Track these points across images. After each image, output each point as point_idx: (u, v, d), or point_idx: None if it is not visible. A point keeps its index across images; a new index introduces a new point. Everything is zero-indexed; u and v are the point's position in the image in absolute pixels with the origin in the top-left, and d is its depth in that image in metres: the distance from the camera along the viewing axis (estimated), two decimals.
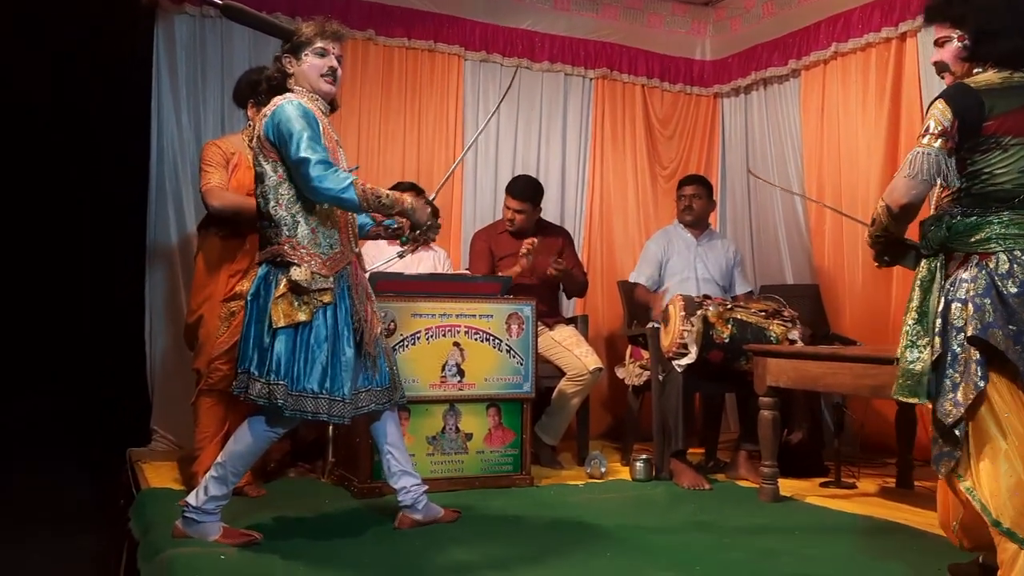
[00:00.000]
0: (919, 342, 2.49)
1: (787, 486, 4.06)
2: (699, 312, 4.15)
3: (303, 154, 2.87)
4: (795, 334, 4.18)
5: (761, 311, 4.28)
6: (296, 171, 2.91)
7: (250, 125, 3.86)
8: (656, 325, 4.50)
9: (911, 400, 2.50)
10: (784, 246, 5.77)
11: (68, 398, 7.36)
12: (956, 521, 2.54)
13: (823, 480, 4.32)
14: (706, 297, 4.34)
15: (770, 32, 5.83)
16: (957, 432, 2.41)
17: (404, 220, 3.22)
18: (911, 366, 2.50)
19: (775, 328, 4.19)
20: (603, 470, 4.40)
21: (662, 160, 6.25)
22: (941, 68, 2.61)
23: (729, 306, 4.26)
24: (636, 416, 4.93)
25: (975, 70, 2.53)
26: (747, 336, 4.13)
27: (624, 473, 4.46)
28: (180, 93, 4.93)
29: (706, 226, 5.07)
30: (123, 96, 5.58)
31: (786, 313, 4.28)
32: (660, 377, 4.38)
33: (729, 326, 4.15)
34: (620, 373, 4.97)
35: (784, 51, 5.70)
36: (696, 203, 4.96)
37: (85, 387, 7.38)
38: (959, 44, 2.54)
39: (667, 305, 4.36)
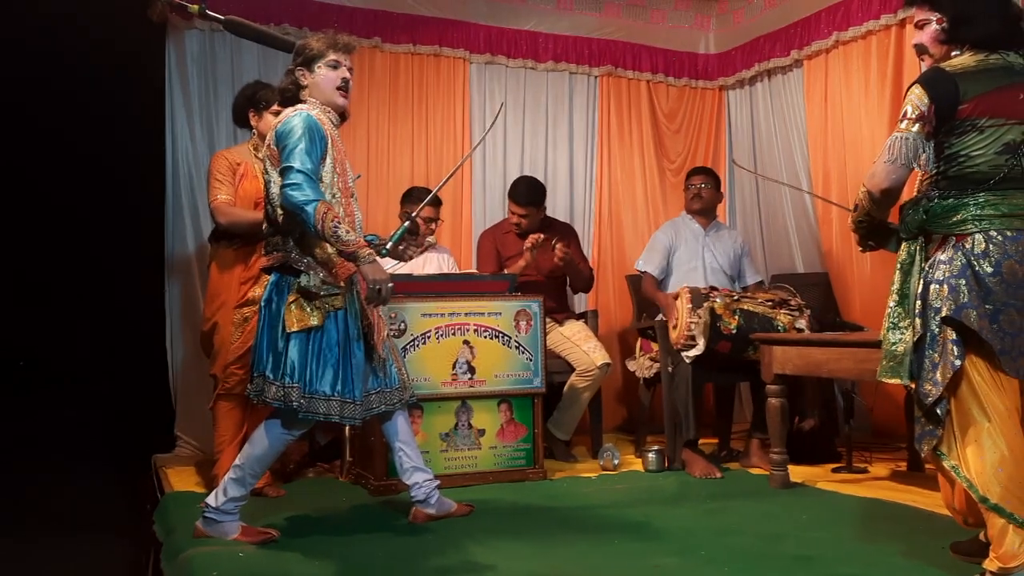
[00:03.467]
0: (901, 324, 2.55)
1: (799, 473, 4.12)
2: (706, 304, 4.20)
3: (290, 162, 2.93)
4: (802, 323, 4.22)
5: (768, 301, 4.33)
6: (281, 176, 2.97)
7: (255, 134, 3.97)
8: (664, 319, 4.57)
9: (893, 381, 2.55)
10: (793, 235, 5.81)
11: (95, 408, 7.50)
12: (950, 503, 2.61)
13: (835, 465, 4.36)
14: (712, 288, 4.40)
15: (772, 23, 5.86)
16: (939, 411, 2.46)
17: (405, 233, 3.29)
18: (893, 347, 2.55)
19: (782, 318, 4.23)
20: (616, 462, 4.46)
21: (669, 155, 6.30)
22: (920, 50, 2.66)
23: (736, 297, 4.31)
24: (648, 408, 4.98)
25: (953, 52, 2.57)
26: (754, 326, 4.17)
27: (637, 465, 4.52)
28: (192, 106, 5.04)
29: (713, 217, 5.11)
30: (137, 111, 5.69)
31: (793, 302, 4.32)
32: (669, 369, 4.43)
33: (736, 317, 4.20)
34: (631, 366, 5.02)
35: (786, 42, 5.73)
36: (705, 192, 5.01)
37: (111, 397, 7.52)
38: (937, 27, 2.58)
39: (674, 297, 4.42)
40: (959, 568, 2.68)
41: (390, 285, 3.00)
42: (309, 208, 2.88)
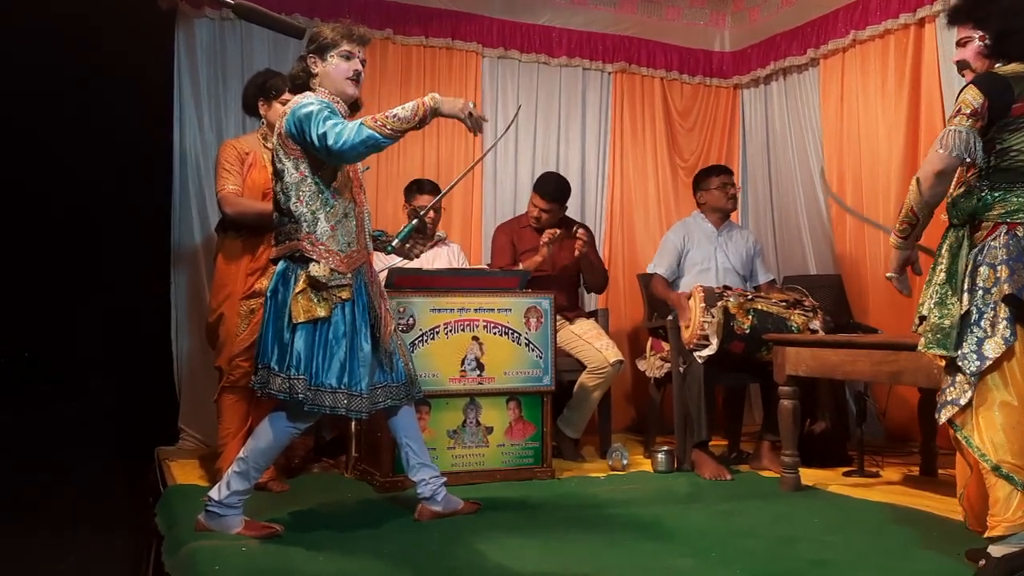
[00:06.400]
0: (948, 300, 2.64)
1: (810, 476, 4.06)
2: (719, 303, 4.14)
3: (321, 129, 2.88)
4: (816, 324, 4.16)
5: (782, 301, 4.27)
6: (321, 148, 2.91)
7: (264, 123, 3.93)
8: (675, 318, 4.50)
9: (939, 352, 2.63)
10: (806, 236, 5.75)
11: (99, 400, 7.48)
12: (962, 490, 2.75)
13: (846, 469, 4.30)
14: (726, 288, 4.34)
15: (788, 21, 5.80)
16: (972, 380, 2.56)
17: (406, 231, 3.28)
18: (941, 321, 2.65)
19: (796, 318, 4.18)
20: (625, 462, 4.41)
21: (682, 153, 6.24)
22: (963, 66, 2.80)
23: (750, 297, 4.25)
24: (658, 408, 4.93)
25: (996, 65, 2.68)
26: (768, 326, 4.12)
27: (646, 465, 4.47)
28: (201, 96, 5.00)
29: (727, 216, 5.05)
30: (146, 100, 5.66)
31: (807, 303, 4.26)
32: (681, 369, 4.38)
33: (750, 317, 4.14)
34: (641, 366, 4.97)
35: (803, 40, 5.67)
36: (738, 192, 4.98)
37: (115, 389, 7.50)
38: (980, 43, 2.73)
39: (687, 297, 4.36)
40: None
41: (471, 103, 3.00)
42: (364, 135, 2.85)
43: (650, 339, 4.98)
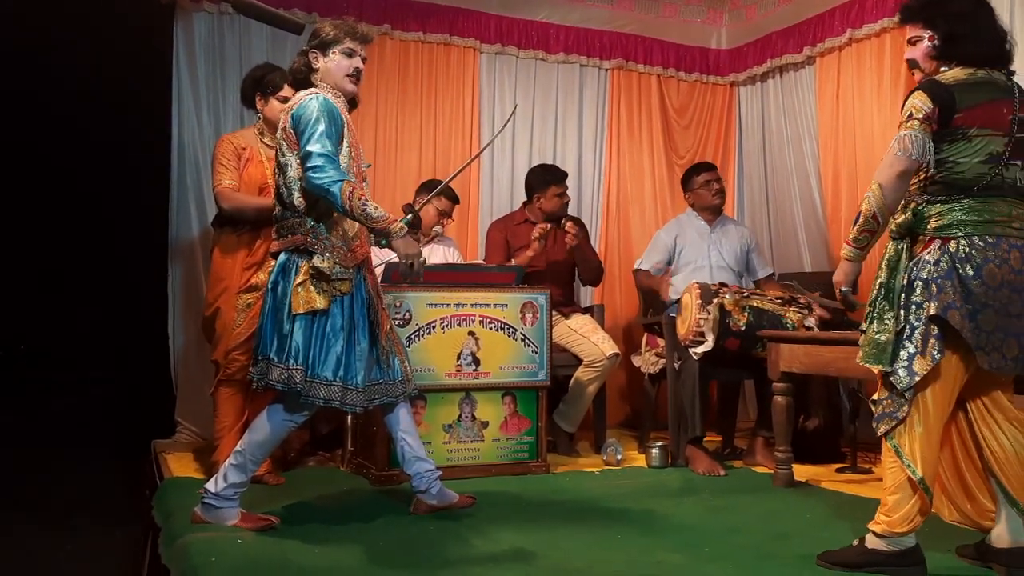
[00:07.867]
0: (885, 316, 2.65)
1: (803, 472, 4.09)
2: (715, 300, 4.17)
3: (309, 147, 2.92)
4: (811, 321, 4.19)
5: (777, 299, 4.30)
6: (303, 159, 2.96)
7: (260, 118, 3.93)
8: (672, 315, 4.53)
9: (874, 367, 2.65)
10: (802, 233, 5.76)
11: (95, 393, 7.49)
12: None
13: (839, 466, 4.33)
14: (722, 285, 4.36)
15: (785, 19, 5.81)
16: (907, 396, 2.58)
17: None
18: (878, 336, 2.66)
19: (791, 315, 4.20)
20: (619, 457, 4.43)
21: (679, 150, 6.25)
22: (912, 65, 2.80)
23: (745, 294, 4.28)
24: (653, 404, 4.96)
25: (942, 68, 2.69)
26: (763, 323, 4.14)
27: (640, 460, 4.49)
28: (200, 90, 5.00)
29: (720, 212, 5.07)
30: (144, 94, 5.67)
31: (802, 300, 4.29)
32: (676, 365, 4.40)
33: (745, 314, 4.16)
34: (636, 361, 4.99)
35: (799, 38, 5.68)
36: (723, 187, 5.00)
37: (112, 382, 7.50)
38: (929, 44, 2.71)
39: (683, 293, 4.38)
40: (965, 570, 2.68)
41: (422, 259, 3.03)
42: (335, 189, 2.88)
43: (645, 335, 5.00)
